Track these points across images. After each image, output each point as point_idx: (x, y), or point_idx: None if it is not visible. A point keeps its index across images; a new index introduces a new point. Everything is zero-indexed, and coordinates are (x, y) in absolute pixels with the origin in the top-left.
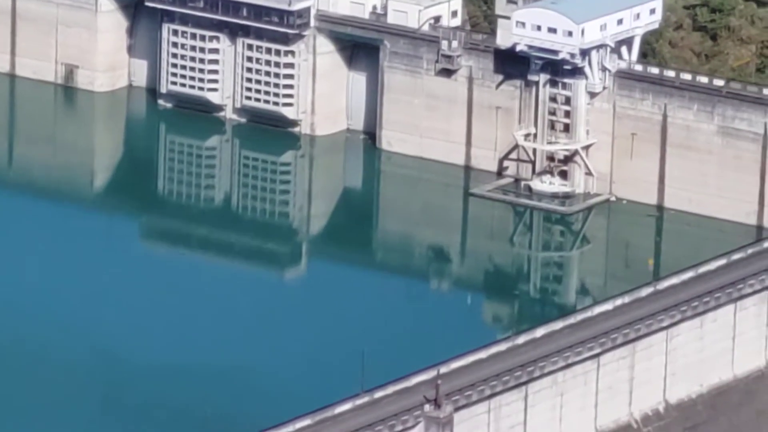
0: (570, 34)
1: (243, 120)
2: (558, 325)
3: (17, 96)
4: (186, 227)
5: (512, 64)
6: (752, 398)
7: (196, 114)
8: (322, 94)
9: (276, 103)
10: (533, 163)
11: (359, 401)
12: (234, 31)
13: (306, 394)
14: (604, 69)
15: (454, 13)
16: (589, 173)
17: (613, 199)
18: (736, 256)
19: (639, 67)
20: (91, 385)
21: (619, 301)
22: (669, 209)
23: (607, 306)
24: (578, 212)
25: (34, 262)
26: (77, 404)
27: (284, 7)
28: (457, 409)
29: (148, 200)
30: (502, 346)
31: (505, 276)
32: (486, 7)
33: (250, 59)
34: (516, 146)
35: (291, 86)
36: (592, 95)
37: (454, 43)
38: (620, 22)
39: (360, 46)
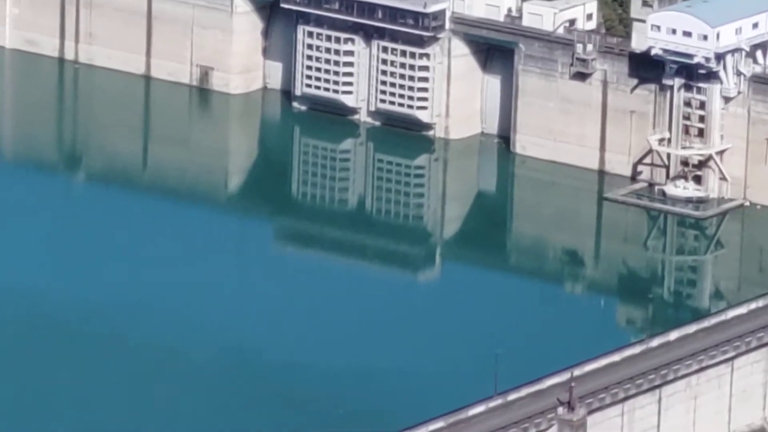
0: (705, 37)
1: (377, 123)
2: (692, 328)
3: (152, 98)
4: (320, 230)
5: (647, 67)
6: None
7: (331, 117)
8: (456, 97)
9: (410, 107)
10: (667, 167)
11: (492, 403)
12: (369, 34)
13: (439, 395)
14: (739, 73)
15: (589, 16)
16: (723, 178)
17: (747, 204)
18: None
19: None
20: (225, 385)
21: (753, 305)
22: None
23: (742, 309)
24: (712, 217)
25: (168, 263)
26: (212, 401)
27: (419, 9)
28: (590, 412)
29: (283, 203)
30: (636, 349)
31: (638, 279)
32: (621, 10)
33: (384, 62)
34: (650, 151)
35: (425, 89)
36: (727, 100)
37: (589, 47)
38: (756, 25)
39: (495, 49)
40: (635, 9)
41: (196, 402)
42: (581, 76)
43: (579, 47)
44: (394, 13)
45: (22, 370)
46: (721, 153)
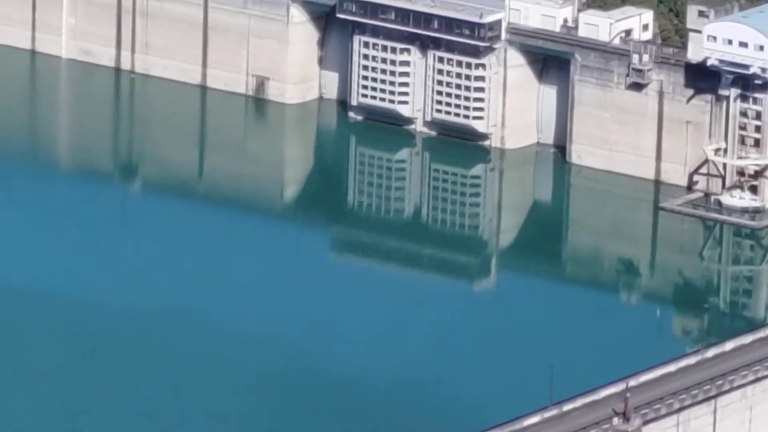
0: (761, 48)
1: (433, 133)
2: (748, 338)
3: (208, 108)
4: (376, 239)
5: (703, 78)
6: None
7: (387, 127)
8: (512, 107)
9: (466, 116)
10: (723, 178)
11: (548, 414)
12: (425, 44)
13: (494, 406)
14: None
15: (645, 27)
16: None
17: None
18: None
19: None
20: (280, 394)
21: None
22: None
23: None
24: None
25: (224, 272)
26: (267, 410)
27: (475, 19)
28: (645, 423)
29: (338, 212)
30: (692, 360)
31: (694, 290)
32: (677, 20)
33: (440, 72)
34: (706, 161)
35: (481, 99)
36: None
37: (645, 57)
38: None
39: (551, 59)
40: (691, 19)
41: (253, 411)
42: (637, 87)
43: (635, 57)
44: (450, 24)
45: (79, 377)
46: None
